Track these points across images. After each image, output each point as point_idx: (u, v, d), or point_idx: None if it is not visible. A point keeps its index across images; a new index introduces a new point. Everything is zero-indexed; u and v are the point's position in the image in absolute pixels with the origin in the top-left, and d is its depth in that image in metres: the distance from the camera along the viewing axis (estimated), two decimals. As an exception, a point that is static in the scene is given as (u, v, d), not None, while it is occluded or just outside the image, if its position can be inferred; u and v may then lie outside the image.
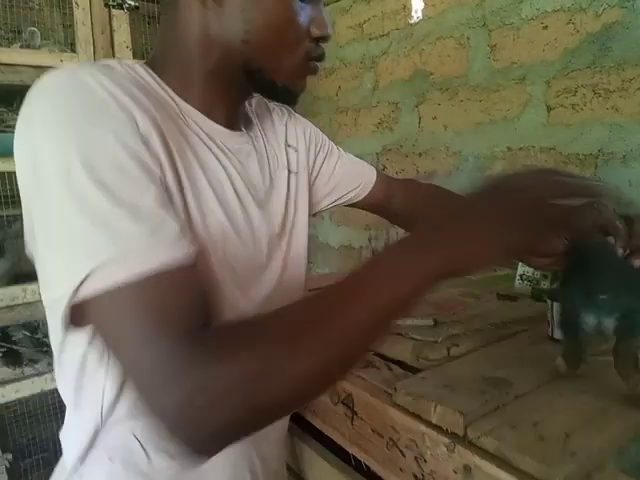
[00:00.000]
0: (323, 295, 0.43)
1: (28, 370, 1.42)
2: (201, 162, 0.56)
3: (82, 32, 1.47)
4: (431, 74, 1.76)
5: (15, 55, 1.35)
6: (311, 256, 2.47)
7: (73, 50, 1.53)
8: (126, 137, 0.45)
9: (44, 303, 0.48)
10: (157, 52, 0.60)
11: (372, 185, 0.90)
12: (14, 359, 1.47)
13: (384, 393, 0.67)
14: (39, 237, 0.45)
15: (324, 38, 0.58)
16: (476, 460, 0.54)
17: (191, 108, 0.57)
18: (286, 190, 0.70)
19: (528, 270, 1.06)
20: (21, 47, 1.46)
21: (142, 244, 0.41)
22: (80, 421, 0.56)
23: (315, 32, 0.57)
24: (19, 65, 1.33)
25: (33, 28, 1.57)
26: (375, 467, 0.69)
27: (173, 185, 0.50)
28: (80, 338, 0.51)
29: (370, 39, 1.96)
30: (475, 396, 0.60)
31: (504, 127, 1.58)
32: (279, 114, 0.77)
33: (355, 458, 0.74)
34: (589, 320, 0.56)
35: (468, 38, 1.64)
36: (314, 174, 0.82)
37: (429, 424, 0.60)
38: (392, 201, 0.92)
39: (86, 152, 0.42)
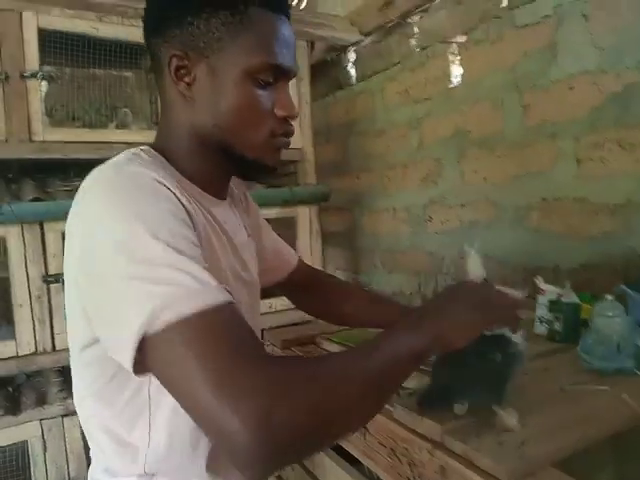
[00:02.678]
0: (347, 354, 0.57)
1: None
2: (203, 230, 0.65)
3: (165, 112, 1.77)
4: (470, 132, 1.91)
5: (111, 135, 1.66)
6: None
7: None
8: (176, 213, 0.56)
9: (77, 354, 0.61)
10: (158, 138, 0.72)
11: (294, 266, 1.01)
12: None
13: (387, 411, 0.81)
14: (100, 295, 0.52)
15: (289, 117, 0.68)
16: (449, 461, 0.66)
17: (193, 185, 0.69)
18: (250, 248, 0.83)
19: (545, 314, 1.16)
20: (116, 127, 1.78)
21: (209, 285, 0.50)
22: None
23: (279, 112, 0.67)
24: (115, 142, 1.64)
25: (126, 109, 1.90)
26: (382, 475, 0.82)
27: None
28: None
29: (415, 102, 2.15)
30: (457, 412, 0.73)
31: (538, 179, 1.68)
32: (237, 182, 0.86)
33: (369, 469, 0.88)
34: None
35: (502, 100, 1.78)
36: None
37: (417, 434, 0.73)
38: (308, 290, 1.03)
39: (149, 223, 0.52)
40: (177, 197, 0.58)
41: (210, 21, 0.63)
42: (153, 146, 0.69)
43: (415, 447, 0.72)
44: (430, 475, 0.70)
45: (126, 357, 0.49)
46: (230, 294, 0.52)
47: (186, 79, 0.65)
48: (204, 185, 0.71)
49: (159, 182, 0.57)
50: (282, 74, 0.67)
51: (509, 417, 0.68)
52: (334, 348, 1.13)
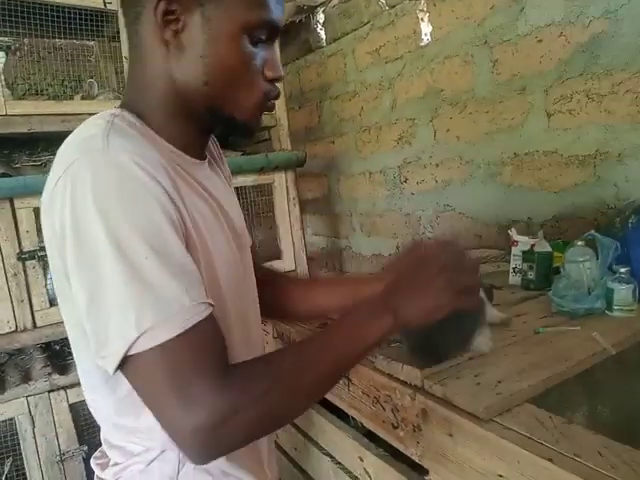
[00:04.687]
0: (303, 348, 0.59)
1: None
2: (191, 203, 0.60)
3: (131, 81, 1.73)
4: (442, 90, 1.91)
5: (77, 106, 1.62)
6: (346, 265, 2.63)
7: (125, 96, 1.78)
8: (162, 207, 0.52)
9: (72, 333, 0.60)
10: (131, 94, 0.64)
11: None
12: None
13: (369, 361, 0.83)
14: (84, 293, 0.51)
15: (277, 79, 0.63)
16: (430, 404, 0.69)
17: (172, 147, 0.63)
18: (236, 199, 0.78)
19: (519, 264, 1.19)
20: (82, 98, 1.73)
21: (182, 308, 0.50)
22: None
23: (269, 74, 0.62)
24: (81, 114, 1.59)
25: (91, 80, 1.84)
26: (367, 423, 0.85)
27: (188, 231, 0.58)
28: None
29: (386, 62, 2.13)
30: (436, 358, 0.76)
31: (510, 135, 1.70)
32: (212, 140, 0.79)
33: (354, 419, 0.91)
34: None
35: (472, 55, 1.78)
36: None
37: (398, 380, 0.76)
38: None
39: (134, 226, 0.50)
40: (162, 183, 0.54)
41: None
42: (126, 106, 0.62)
43: (397, 393, 0.75)
44: (412, 419, 0.72)
45: (108, 367, 0.51)
46: (207, 304, 0.53)
47: (173, 26, 0.57)
48: (185, 146, 0.65)
49: (144, 171, 0.53)
50: (273, 32, 0.62)
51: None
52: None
